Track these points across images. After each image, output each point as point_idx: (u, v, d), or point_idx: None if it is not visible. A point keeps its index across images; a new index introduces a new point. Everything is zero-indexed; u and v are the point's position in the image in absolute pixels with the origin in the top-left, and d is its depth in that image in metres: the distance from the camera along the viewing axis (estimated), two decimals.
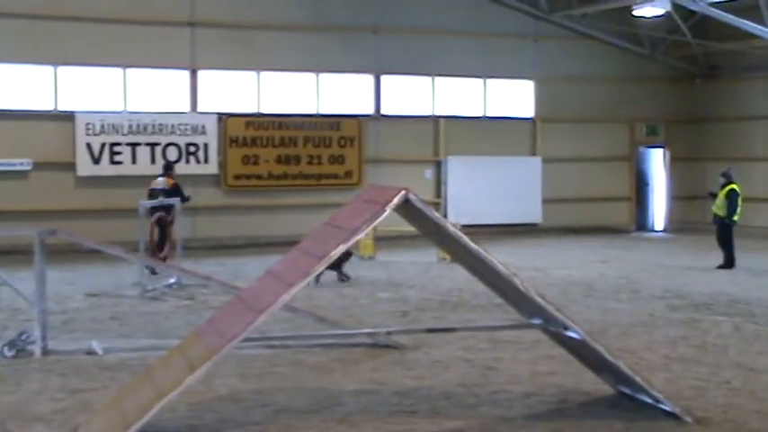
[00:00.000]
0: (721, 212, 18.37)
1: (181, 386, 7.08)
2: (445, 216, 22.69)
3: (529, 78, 26.20)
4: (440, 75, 25.15)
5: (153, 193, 18.20)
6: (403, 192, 7.46)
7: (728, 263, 18.28)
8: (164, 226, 17.58)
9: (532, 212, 25.94)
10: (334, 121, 24.13)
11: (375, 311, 13.46)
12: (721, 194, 18.41)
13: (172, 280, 15.72)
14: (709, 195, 19.37)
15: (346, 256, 16.09)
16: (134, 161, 22.26)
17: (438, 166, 25.21)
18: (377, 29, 24.46)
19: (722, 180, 18.59)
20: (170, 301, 14.43)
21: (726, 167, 19.55)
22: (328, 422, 7.91)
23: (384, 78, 24.64)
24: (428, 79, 25.10)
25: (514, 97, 26.21)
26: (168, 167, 19.17)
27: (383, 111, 24.70)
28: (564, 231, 25.89)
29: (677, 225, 27.47)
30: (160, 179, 18.63)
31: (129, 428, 6.88)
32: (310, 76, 23.91)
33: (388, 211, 7.45)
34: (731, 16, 23.16)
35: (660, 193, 28.02)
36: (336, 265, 16.38)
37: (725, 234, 18.46)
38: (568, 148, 26.53)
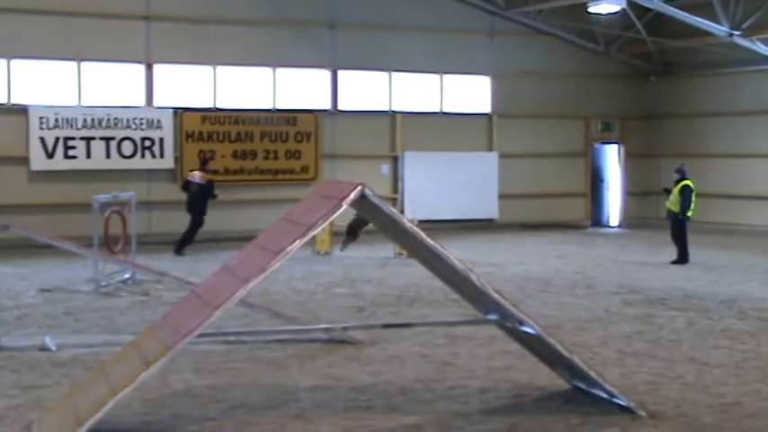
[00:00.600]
0: (675, 208, 18.54)
1: (135, 382, 7.02)
2: (402, 211, 22.72)
3: (485, 74, 26.28)
4: (396, 70, 25.16)
5: (187, 186, 20.15)
6: (359, 187, 7.44)
7: (682, 258, 18.47)
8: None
9: (489, 208, 26.04)
10: (291, 116, 24.06)
11: (331, 307, 13.44)
12: (675, 190, 18.59)
13: (126, 275, 15.59)
14: (663, 191, 19.49)
15: (363, 224, 18.63)
16: (88, 155, 22.03)
17: (395, 161, 25.22)
18: (333, 24, 24.41)
19: (676, 176, 18.76)
20: (124, 296, 14.31)
21: (679, 164, 19.70)
22: (284, 418, 7.88)
23: (341, 73, 24.60)
24: (385, 75, 25.09)
25: (471, 93, 26.28)
26: (205, 162, 20.70)
27: (340, 106, 24.67)
28: (520, 227, 26.02)
29: (632, 221, 27.72)
30: (196, 173, 20.32)
31: (83, 425, 6.81)
32: (266, 70, 23.81)
33: (344, 206, 7.44)
34: (685, 14, 23.39)
35: (615, 189, 28.26)
36: (355, 234, 19.49)
37: (679, 230, 18.64)
38: (524, 143, 26.66)
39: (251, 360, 9.97)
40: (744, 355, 10.29)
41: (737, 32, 23.44)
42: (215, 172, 23.07)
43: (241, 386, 8.92)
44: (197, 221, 20.18)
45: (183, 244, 20.09)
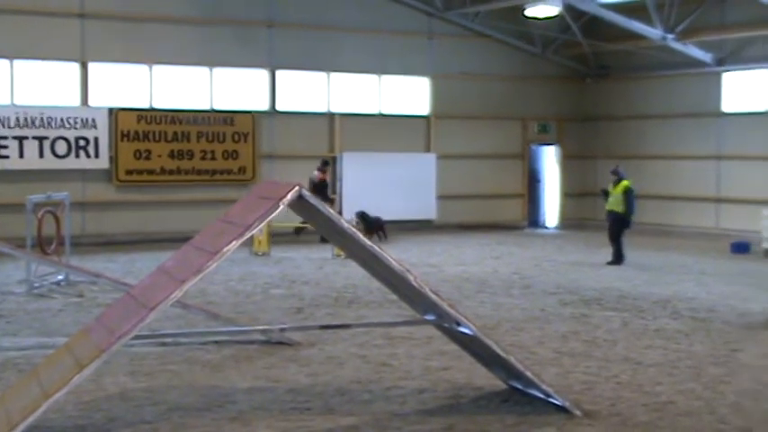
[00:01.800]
0: (619, 209, 18.68)
1: (68, 385, 6.91)
2: (340, 212, 22.68)
3: (423, 75, 26.35)
4: (335, 71, 25.11)
5: (310, 186, 21.83)
6: (297, 188, 7.42)
7: (617, 259, 18.67)
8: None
9: (427, 209, 26.11)
10: (228, 116, 23.89)
11: (269, 308, 13.37)
12: (616, 191, 18.72)
13: (60, 277, 15.36)
14: (601, 193, 19.61)
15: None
16: (21, 155, 21.65)
17: (333, 161, 25.16)
18: (271, 24, 24.29)
19: (613, 177, 18.95)
20: (58, 298, 14.09)
21: (614, 165, 19.90)
22: (221, 420, 7.82)
23: (279, 74, 24.48)
24: (323, 75, 25.03)
25: (409, 94, 26.33)
26: (325, 163, 22.82)
27: (278, 106, 24.55)
28: (458, 228, 26.14)
29: (568, 222, 27.98)
30: (315, 173, 22.39)
31: (15, 429, 6.69)
32: (204, 70, 23.61)
33: (281, 206, 7.40)
34: (620, 17, 23.70)
35: (552, 190, 28.51)
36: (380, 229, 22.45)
37: (618, 230, 18.79)
38: (462, 145, 26.78)
39: (187, 362, 9.88)
40: (677, 354, 10.43)
41: (671, 36, 23.80)
42: (151, 172, 22.90)
43: (177, 388, 8.84)
44: None
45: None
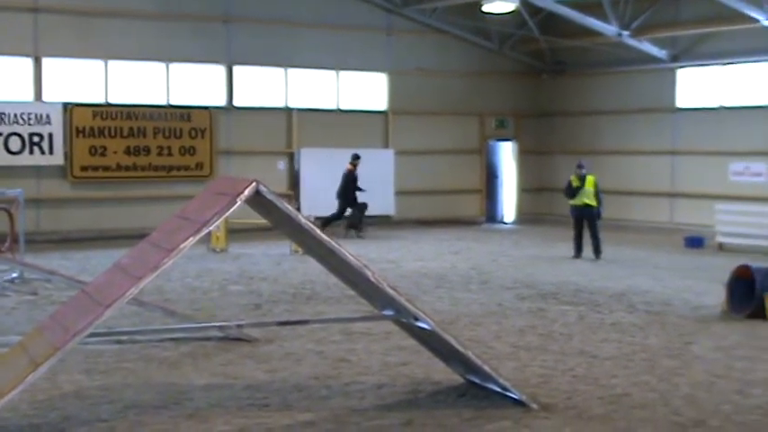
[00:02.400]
0: (593, 202, 18.73)
1: (22, 383, 6.84)
2: (298, 208, 22.63)
3: (381, 71, 26.36)
4: (293, 66, 25.04)
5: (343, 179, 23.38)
6: (254, 183, 7.39)
7: (600, 251, 18.62)
8: None
9: (385, 204, 26.10)
10: (185, 112, 23.75)
11: (227, 304, 13.33)
12: (588, 186, 18.70)
13: (14, 274, 15.18)
14: (570, 189, 19.02)
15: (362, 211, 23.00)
16: None
17: (291, 158, 25.13)
18: (228, 19, 24.18)
19: (582, 171, 18.81)
20: (11, 296, 13.93)
21: (580, 160, 19.90)
22: (177, 418, 7.78)
23: (236, 69, 24.38)
24: (281, 71, 24.96)
25: (367, 90, 26.33)
26: (355, 157, 23.58)
27: (235, 102, 24.45)
28: (416, 223, 26.18)
29: (526, 217, 28.14)
30: (348, 165, 23.45)
31: None
32: (160, 65, 23.45)
33: (239, 202, 7.37)
34: (576, 13, 23.87)
35: (509, 186, 28.64)
36: (355, 225, 23.06)
37: (595, 223, 18.76)
38: (420, 140, 26.82)
39: (143, 359, 9.82)
40: (632, 347, 10.54)
41: (626, 33, 24.02)
42: (106, 168, 22.76)
43: (133, 386, 8.78)
44: (342, 207, 23.36)
45: (357, 225, 23.39)
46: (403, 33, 26.51)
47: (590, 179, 18.82)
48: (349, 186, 23.39)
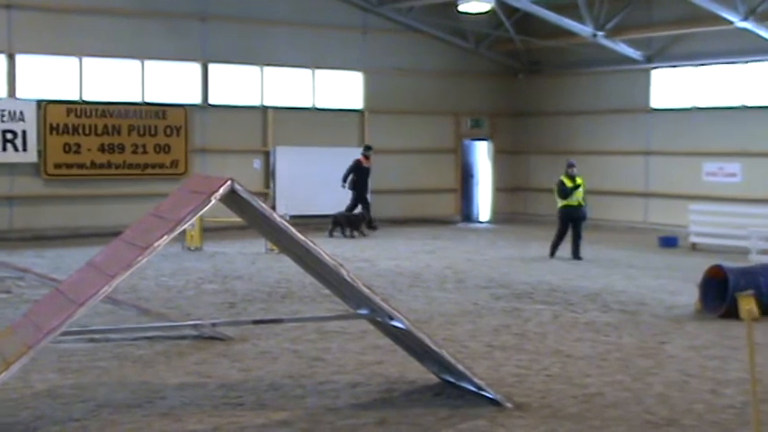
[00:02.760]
0: (584, 202, 18.66)
1: None
2: (274, 207, 22.59)
3: (357, 70, 26.35)
4: (269, 65, 24.99)
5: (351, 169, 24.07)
6: (229, 182, 7.37)
7: (579, 251, 18.63)
8: None
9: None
10: (160, 109, 23.65)
11: (201, 303, 13.28)
12: (582, 184, 18.53)
13: None
14: (565, 188, 18.48)
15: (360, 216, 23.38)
16: None
17: (266, 156, 25.07)
18: (204, 16, 24.10)
19: (575, 170, 18.55)
20: None
21: (570, 159, 19.50)
22: (151, 417, 7.75)
23: (212, 67, 24.29)
24: (257, 69, 24.90)
25: (343, 88, 26.30)
26: (367, 148, 24.57)
27: (211, 100, 24.36)
28: (391, 222, 26.16)
29: (501, 216, 28.20)
30: (361, 158, 24.19)
31: None
32: (135, 63, 23.34)
33: (213, 201, 7.35)
34: (552, 14, 23.93)
35: (485, 185, 28.70)
36: (356, 226, 23.09)
37: (582, 224, 18.73)
38: (396, 139, 26.81)
39: (117, 358, 9.78)
40: (606, 346, 10.58)
41: (601, 33, 24.11)
42: (80, 166, 22.66)
43: (106, 385, 8.74)
44: (356, 199, 24.09)
45: (370, 220, 24.03)
46: (379, 32, 26.51)
47: (580, 179, 18.68)
48: (363, 179, 24.05)
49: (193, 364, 9.55)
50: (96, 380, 8.91)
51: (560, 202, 18.78)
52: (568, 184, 18.60)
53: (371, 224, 24.00)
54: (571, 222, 18.68)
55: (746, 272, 12.61)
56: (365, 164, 24.27)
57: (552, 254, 18.87)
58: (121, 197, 22.96)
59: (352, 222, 23.25)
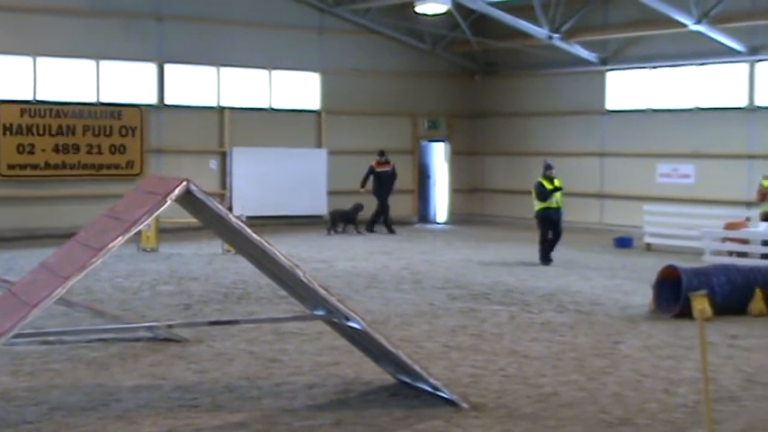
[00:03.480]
0: (561, 204, 18.45)
1: None
2: (230, 208, 22.51)
3: (314, 71, 26.31)
4: (225, 65, 24.89)
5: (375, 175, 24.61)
6: (184, 182, 7.33)
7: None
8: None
9: (318, 204, 26.06)
10: (116, 109, 23.47)
11: (157, 304, 13.20)
12: (560, 186, 18.31)
13: None
14: (545, 190, 18.05)
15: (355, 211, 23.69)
16: None
17: (223, 157, 24.97)
18: (160, 16, 23.95)
19: (553, 172, 18.37)
20: None
21: (548, 161, 18.86)
22: (105, 419, 7.69)
23: (167, 67, 24.15)
24: (213, 69, 24.79)
25: (300, 89, 26.26)
26: (379, 153, 24.76)
27: (166, 100, 24.22)
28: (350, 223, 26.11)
29: (458, 217, 28.28)
30: (382, 163, 24.59)
31: None
32: (90, 63, 23.14)
33: (169, 201, 7.32)
34: (508, 16, 24.06)
35: (442, 186, 28.77)
36: (351, 221, 23.63)
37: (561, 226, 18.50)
38: (353, 140, 26.81)
39: (71, 360, 9.69)
40: (562, 346, 10.66)
41: (557, 35, 24.28)
42: (34, 167, 22.43)
43: (60, 387, 8.66)
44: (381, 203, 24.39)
45: (389, 224, 24.21)
46: (336, 33, 26.50)
47: (559, 181, 18.38)
48: (379, 184, 24.37)
49: (148, 366, 9.49)
50: (50, 382, 8.83)
51: (539, 205, 18.31)
52: (548, 186, 18.14)
53: (390, 228, 24.21)
54: (551, 225, 18.27)
55: (700, 272, 12.76)
56: (378, 168, 24.51)
57: (546, 259, 18.26)
58: (76, 198, 22.75)
59: (347, 219, 23.77)
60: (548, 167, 18.42)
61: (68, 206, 22.52)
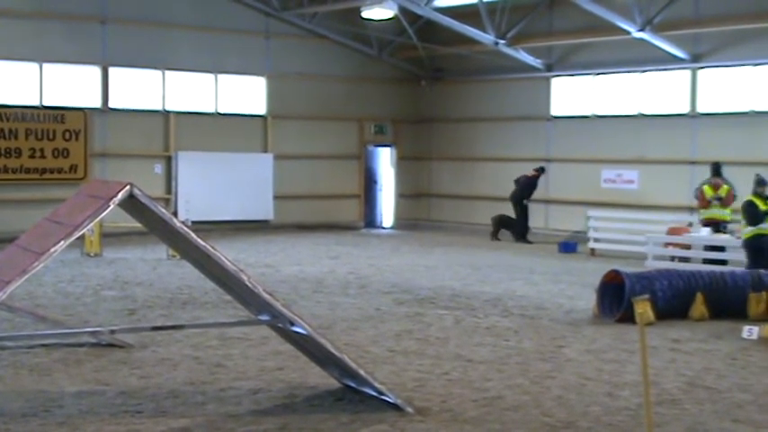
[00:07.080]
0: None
1: None
2: (176, 212, 22.37)
3: (260, 75, 26.24)
4: (170, 69, 24.72)
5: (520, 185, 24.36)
6: (127, 187, 7.28)
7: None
8: None
9: (264, 209, 26.00)
10: (59, 113, 23.20)
11: (100, 310, 13.07)
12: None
13: None
14: (759, 212, 15.06)
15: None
16: None
17: (168, 161, 24.80)
18: (104, 19, 23.73)
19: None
20: None
21: (760, 175, 15.89)
22: (47, 425, 7.60)
23: (112, 70, 23.93)
24: (158, 73, 24.61)
25: (246, 93, 26.17)
26: (540, 170, 24.51)
27: (111, 104, 24.00)
28: (295, 228, 26.12)
29: (404, 222, 28.34)
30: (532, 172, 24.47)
31: None
32: (33, 65, 22.86)
33: (112, 206, 7.26)
34: (454, 21, 24.18)
35: (388, 191, 28.82)
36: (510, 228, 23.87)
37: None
38: (299, 145, 26.78)
39: (12, 366, 9.56)
40: (507, 351, 10.73)
41: (503, 41, 24.44)
42: None
43: (1, 394, 8.55)
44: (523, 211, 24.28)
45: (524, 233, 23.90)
46: (282, 37, 26.45)
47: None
48: (522, 191, 24.25)
49: (92, 372, 9.39)
50: None
51: (750, 231, 15.24)
52: (762, 206, 15.00)
53: (524, 237, 23.95)
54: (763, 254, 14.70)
55: (643, 277, 12.92)
56: (532, 178, 24.52)
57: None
58: (18, 202, 22.46)
59: (507, 225, 24.27)
60: (760, 182, 15.20)
61: (10, 211, 22.21)
